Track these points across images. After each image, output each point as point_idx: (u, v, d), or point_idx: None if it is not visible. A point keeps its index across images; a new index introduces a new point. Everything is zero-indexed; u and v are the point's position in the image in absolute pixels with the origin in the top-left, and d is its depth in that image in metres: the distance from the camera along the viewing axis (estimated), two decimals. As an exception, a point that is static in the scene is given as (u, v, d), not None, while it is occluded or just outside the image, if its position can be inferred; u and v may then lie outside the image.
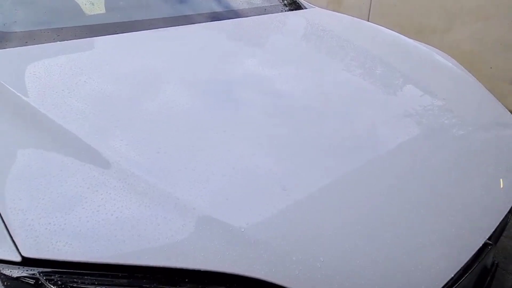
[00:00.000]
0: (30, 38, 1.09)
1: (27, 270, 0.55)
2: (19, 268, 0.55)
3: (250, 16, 1.57)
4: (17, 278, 0.55)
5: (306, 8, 1.82)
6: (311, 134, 0.83)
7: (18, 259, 0.54)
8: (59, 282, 0.54)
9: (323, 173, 0.74)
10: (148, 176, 0.66)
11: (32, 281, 0.54)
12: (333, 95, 1.01)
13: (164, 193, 0.63)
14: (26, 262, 0.55)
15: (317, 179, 0.72)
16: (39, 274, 0.54)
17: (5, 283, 0.55)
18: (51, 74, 0.91)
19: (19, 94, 0.82)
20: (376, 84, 1.12)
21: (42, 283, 0.54)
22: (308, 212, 0.66)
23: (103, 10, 1.39)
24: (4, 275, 0.55)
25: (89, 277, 0.55)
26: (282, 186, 0.68)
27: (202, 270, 0.55)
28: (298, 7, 1.81)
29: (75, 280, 0.55)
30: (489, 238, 0.75)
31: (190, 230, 0.59)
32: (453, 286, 0.68)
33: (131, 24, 1.23)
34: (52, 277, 0.54)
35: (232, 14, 1.53)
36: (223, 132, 0.79)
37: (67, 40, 1.08)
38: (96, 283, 0.55)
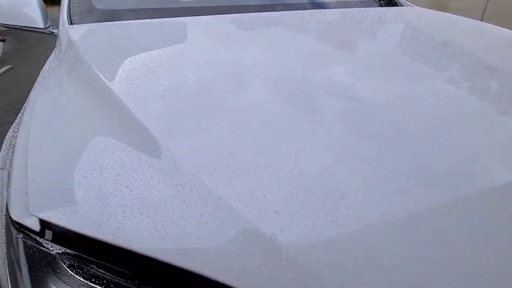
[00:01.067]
0: (123, 15, 1.23)
1: (45, 241, 0.53)
2: (39, 238, 0.53)
3: (338, 8, 1.47)
4: (34, 247, 0.53)
5: (402, 5, 1.63)
6: (393, 159, 0.63)
7: (37, 228, 0.52)
8: (72, 260, 0.51)
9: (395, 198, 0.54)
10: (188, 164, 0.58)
11: (50, 254, 0.52)
12: (430, 113, 0.79)
13: (194, 179, 0.55)
14: (47, 233, 0.53)
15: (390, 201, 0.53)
16: (53, 248, 0.52)
17: (26, 251, 0.54)
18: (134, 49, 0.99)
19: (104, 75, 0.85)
20: (488, 105, 0.86)
21: (55, 256, 0.52)
22: (371, 233, 0.49)
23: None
24: (25, 241, 0.54)
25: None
26: (341, 192, 0.54)
27: (208, 277, 0.44)
28: (392, 3, 1.62)
29: (87, 262, 0.51)
30: None
31: (208, 227, 0.49)
32: None
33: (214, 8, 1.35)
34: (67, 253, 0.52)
35: (318, 5, 1.51)
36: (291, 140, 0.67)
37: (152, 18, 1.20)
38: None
